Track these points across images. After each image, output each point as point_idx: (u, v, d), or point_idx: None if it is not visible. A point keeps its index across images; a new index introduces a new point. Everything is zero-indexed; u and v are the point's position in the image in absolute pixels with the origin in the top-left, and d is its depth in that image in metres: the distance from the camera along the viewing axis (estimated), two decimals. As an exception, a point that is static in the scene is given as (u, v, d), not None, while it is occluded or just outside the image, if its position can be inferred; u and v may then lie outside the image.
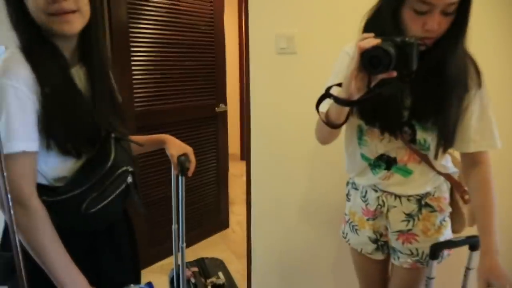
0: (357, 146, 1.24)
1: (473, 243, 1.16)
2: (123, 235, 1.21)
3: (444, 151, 1.14)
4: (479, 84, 1.10)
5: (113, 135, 1.08)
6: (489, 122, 1.12)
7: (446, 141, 1.11)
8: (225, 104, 3.06)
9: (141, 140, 1.29)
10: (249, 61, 1.96)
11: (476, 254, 1.15)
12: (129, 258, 1.24)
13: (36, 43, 0.94)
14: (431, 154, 1.16)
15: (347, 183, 1.39)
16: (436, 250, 1.15)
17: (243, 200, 2.43)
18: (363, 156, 1.24)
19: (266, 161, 2.04)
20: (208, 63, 2.89)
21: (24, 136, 0.91)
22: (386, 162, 1.20)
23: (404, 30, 1.02)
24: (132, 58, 2.42)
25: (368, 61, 0.86)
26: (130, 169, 1.11)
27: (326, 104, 1.03)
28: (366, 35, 0.89)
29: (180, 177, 1.30)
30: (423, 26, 0.97)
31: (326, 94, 0.99)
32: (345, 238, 1.40)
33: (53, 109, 0.95)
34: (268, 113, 1.99)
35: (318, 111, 1.05)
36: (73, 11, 0.92)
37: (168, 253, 2.60)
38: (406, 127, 1.13)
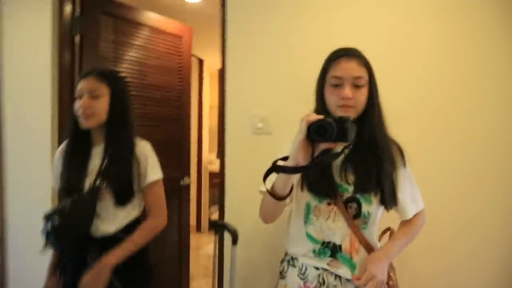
0: (303, 224, 1.29)
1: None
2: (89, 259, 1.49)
3: (388, 210, 1.28)
4: (404, 164, 1.29)
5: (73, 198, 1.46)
6: (417, 188, 1.34)
7: (387, 205, 1.25)
8: (189, 176, 3.05)
9: None
10: (224, 139, 2.01)
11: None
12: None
13: (74, 129, 1.54)
14: (367, 230, 1.25)
15: (282, 260, 1.39)
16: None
17: (203, 274, 2.34)
18: (308, 236, 1.28)
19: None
20: (174, 136, 2.90)
21: (53, 180, 1.61)
22: (331, 250, 1.25)
23: (328, 104, 1.23)
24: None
25: (315, 130, 1.03)
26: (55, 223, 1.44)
27: (272, 178, 1.15)
28: (310, 113, 1.08)
29: (232, 246, 1.55)
30: (339, 96, 1.18)
31: (274, 167, 1.12)
32: None
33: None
34: (242, 192, 2.00)
35: (264, 183, 1.15)
36: (89, 114, 1.46)
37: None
38: (352, 202, 1.22)
